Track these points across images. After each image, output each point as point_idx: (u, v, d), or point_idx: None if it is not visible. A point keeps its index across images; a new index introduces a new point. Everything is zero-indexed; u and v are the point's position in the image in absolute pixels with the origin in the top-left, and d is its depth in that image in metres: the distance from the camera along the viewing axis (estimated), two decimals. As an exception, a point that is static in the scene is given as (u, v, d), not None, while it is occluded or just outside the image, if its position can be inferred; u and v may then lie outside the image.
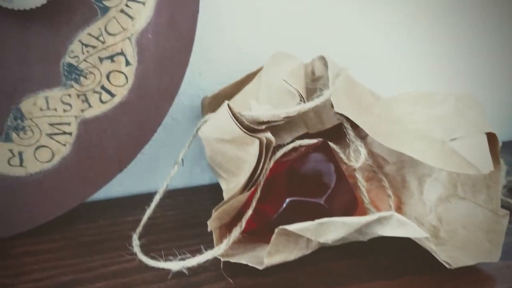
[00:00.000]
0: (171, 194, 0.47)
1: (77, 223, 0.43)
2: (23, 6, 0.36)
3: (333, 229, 0.31)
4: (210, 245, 0.36)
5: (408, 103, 0.41)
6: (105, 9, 0.39)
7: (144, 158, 0.49)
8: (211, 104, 0.47)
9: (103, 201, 0.47)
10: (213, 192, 0.50)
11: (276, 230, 0.32)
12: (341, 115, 0.42)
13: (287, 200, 0.35)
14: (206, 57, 0.49)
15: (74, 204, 0.41)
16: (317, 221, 0.31)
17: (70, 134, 0.40)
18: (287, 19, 0.52)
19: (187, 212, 0.46)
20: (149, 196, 0.43)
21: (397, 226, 0.31)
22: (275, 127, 0.40)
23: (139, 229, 0.40)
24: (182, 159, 0.43)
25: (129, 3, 0.39)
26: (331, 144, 0.38)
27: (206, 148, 0.43)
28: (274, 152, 0.39)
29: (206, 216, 0.43)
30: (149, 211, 0.42)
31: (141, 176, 0.49)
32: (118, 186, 0.48)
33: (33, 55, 0.38)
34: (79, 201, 0.41)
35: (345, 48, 0.55)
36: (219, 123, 0.39)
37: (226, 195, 0.42)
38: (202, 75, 0.49)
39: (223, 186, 0.43)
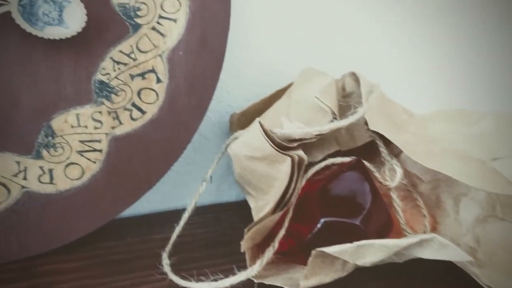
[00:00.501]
0: (198, 211, 0.47)
1: (105, 241, 0.43)
2: (52, 36, 0.36)
3: (372, 252, 0.30)
4: (241, 265, 0.35)
5: (444, 122, 0.40)
6: (137, 27, 0.39)
7: (172, 174, 0.48)
8: (240, 120, 0.47)
9: (130, 218, 0.47)
10: (240, 209, 0.49)
11: (313, 252, 0.31)
12: (374, 132, 0.41)
13: (322, 220, 0.34)
14: (234, 74, 0.48)
15: (104, 221, 0.41)
16: (355, 243, 0.30)
17: (101, 151, 0.40)
18: (314, 36, 0.52)
19: (216, 230, 0.45)
20: (177, 213, 0.43)
21: (438, 249, 0.30)
22: (306, 144, 0.40)
23: (168, 247, 0.40)
24: (211, 176, 0.43)
25: (161, 21, 0.39)
26: (365, 162, 0.38)
27: (235, 165, 0.42)
28: (306, 170, 0.38)
29: (235, 234, 0.43)
30: (178, 229, 0.41)
31: (168, 192, 0.49)
32: (146, 203, 0.48)
33: (65, 72, 0.38)
34: (108, 219, 0.41)
35: (372, 64, 0.54)
36: (250, 141, 0.39)
37: (255, 213, 0.41)
38: (230, 91, 0.49)
39: (252, 204, 0.43)
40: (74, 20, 0.36)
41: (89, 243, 0.42)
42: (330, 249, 0.30)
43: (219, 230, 0.45)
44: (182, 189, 0.49)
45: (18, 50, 0.37)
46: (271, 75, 0.50)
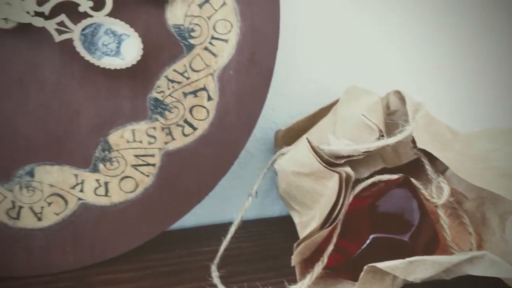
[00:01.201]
0: (243, 225, 0.47)
1: (155, 253, 0.44)
2: (108, 66, 0.38)
3: (424, 268, 0.31)
4: (289, 278, 0.36)
5: (489, 140, 0.40)
6: (190, 47, 0.41)
7: (218, 189, 0.49)
8: (285, 137, 0.48)
9: (178, 231, 0.48)
10: (283, 225, 0.50)
11: (365, 267, 0.32)
12: (420, 150, 0.42)
13: (371, 236, 0.35)
14: (279, 92, 0.50)
15: (155, 234, 0.42)
16: (407, 259, 0.30)
17: (154, 165, 0.42)
18: (357, 56, 0.53)
19: (261, 245, 0.46)
20: (222, 226, 0.44)
21: (489, 266, 0.30)
22: (352, 161, 0.40)
23: (216, 260, 0.41)
24: (256, 191, 0.44)
25: (213, 41, 0.41)
26: (412, 180, 0.38)
27: (281, 180, 0.43)
28: (353, 187, 0.39)
29: (280, 249, 0.44)
30: (225, 242, 0.42)
31: (214, 206, 0.50)
32: (193, 216, 0.49)
33: (123, 90, 0.40)
34: (159, 231, 0.43)
35: (414, 84, 0.55)
36: (297, 157, 0.40)
37: (299, 228, 0.42)
38: (275, 109, 0.50)
39: (296, 219, 0.43)
40: (131, 53, 0.38)
41: (139, 254, 0.43)
42: (382, 265, 0.31)
43: (265, 244, 0.46)
44: (227, 203, 0.51)
45: (80, 71, 0.39)
46: (314, 93, 0.52)
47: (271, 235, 0.48)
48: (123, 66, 0.38)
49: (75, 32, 0.37)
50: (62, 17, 0.37)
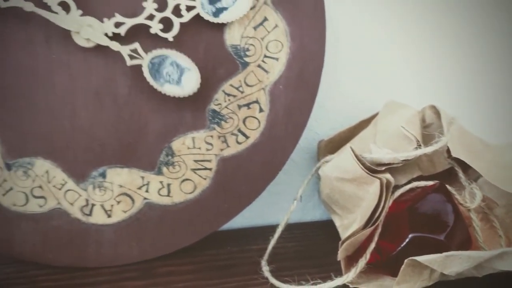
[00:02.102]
0: (287, 228, 0.51)
1: (209, 249, 0.49)
2: (168, 93, 0.43)
3: (458, 262, 0.34)
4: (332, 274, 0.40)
5: (519, 150, 0.44)
6: (245, 64, 0.45)
7: (264, 193, 0.54)
8: (327, 146, 0.52)
9: (227, 231, 0.53)
10: (325, 228, 0.54)
11: (406, 261, 0.35)
12: (453, 159, 0.46)
13: (410, 235, 0.39)
14: (322, 105, 0.54)
15: (210, 231, 0.47)
16: (444, 254, 0.34)
17: (210, 169, 0.46)
18: (393, 72, 0.57)
19: (305, 245, 0.50)
20: (267, 228, 0.48)
21: (518, 262, 0.34)
22: (390, 169, 0.44)
23: (266, 256, 0.45)
24: (301, 196, 0.48)
25: (265, 59, 0.46)
26: (447, 186, 0.42)
27: (324, 186, 0.47)
28: (392, 192, 0.43)
29: (323, 249, 0.48)
30: (273, 241, 0.47)
31: (260, 209, 0.55)
32: (241, 218, 0.54)
33: (186, 103, 0.45)
34: (214, 229, 0.47)
35: (448, 98, 0.58)
36: (341, 164, 0.44)
37: (341, 231, 0.46)
38: (318, 120, 0.54)
39: (337, 222, 0.47)
40: (190, 84, 0.43)
41: (195, 250, 0.48)
42: (421, 258, 0.35)
43: (308, 245, 0.50)
44: (272, 207, 0.55)
45: (148, 87, 0.44)
46: (353, 106, 0.56)
47: (313, 237, 0.52)
48: (181, 95, 0.43)
49: (145, 60, 0.42)
50: (136, 45, 0.42)
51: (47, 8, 0.40)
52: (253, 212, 0.54)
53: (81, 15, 0.41)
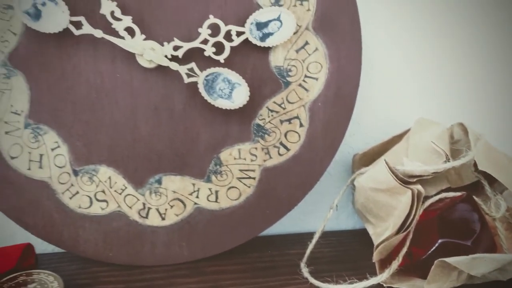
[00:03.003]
0: (322, 235, 0.55)
1: (250, 252, 0.53)
2: (220, 106, 0.48)
3: (484, 264, 0.38)
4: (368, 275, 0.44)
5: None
6: (288, 84, 0.50)
7: (301, 203, 0.58)
8: (361, 160, 0.56)
9: (267, 236, 0.57)
10: (358, 236, 0.58)
11: (436, 262, 0.39)
12: (480, 173, 0.49)
13: (440, 241, 0.43)
14: (356, 121, 0.58)
15: (252, 235, 0.51)
16: (470, 256, 0.38)
17: (254, 178, 0.51)
18: (425, 91, 0.61)
19: (340, 250, 0.54)
20: (303, 234, 0.52)
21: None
22: (421, 181, 0.48)
23: (304, 259, 0.49)
24: (337, 205, 0.52)
25: (306, 79, 0.50)
26: (474, 197, 0.45)
27: (359, 196, 0.51)
28: (422, 202, 0.47)
29: (357, 255, 0.52)
30: (311, 246, 0.51)
31: (297, 218, 0.59)
32: (279, 225, 0.58)
33: (233, 117, 0.49)
34: (256, 234, 0.51)
35: (474, 115, 0.62)
36: (376, 175, 0.48)
37: (374, 238, 0.50)
38: (352, 135, 0.59)
39: (370, 230, 0.51)
40: (240, 98, 0.48)
41: (239, 252, 0.52)
42: (450, 259, 0.38)
43: (344, 250, 0.54)
44: (308, 215, 0.59)
45: (201, 103, 0.49)
46: (385, 122, 0.60)
47: (348, 243, 0.56)
48: (231, 108, 0.48)
49: (200, 77, 0.47)
50: (192, 65, 0.47)
51: (115, 33, 0.46)
52: (290, 220, 0.58)
53: (144, 39, 0.46)
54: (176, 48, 0.47)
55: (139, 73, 0.48)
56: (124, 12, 0.46)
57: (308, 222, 0.59)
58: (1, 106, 0.47)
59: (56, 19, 0.44)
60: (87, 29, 0.45)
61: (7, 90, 0.47)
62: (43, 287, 0.44)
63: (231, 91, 0.48)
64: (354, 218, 0.61)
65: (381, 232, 0.49)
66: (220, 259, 0.51)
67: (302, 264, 0.48)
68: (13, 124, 0.47)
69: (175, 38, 0.47)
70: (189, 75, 0.47)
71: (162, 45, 0.47)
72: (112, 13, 0.45)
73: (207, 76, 0.47)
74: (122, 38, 0.46)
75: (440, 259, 0.39)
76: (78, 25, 0.45)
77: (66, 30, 0.45)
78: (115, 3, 0.45)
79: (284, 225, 0.59)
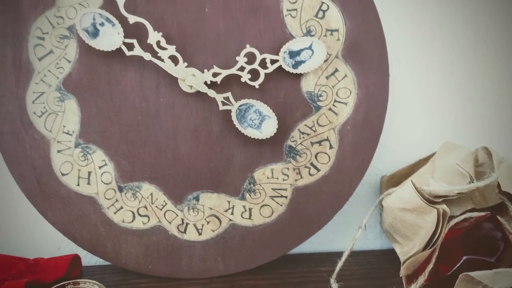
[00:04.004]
0: (352, 254, 0.57)
1: (281, 268, 0.55)
2: (249, 135, 0.52)
3: (506, 279, 0.39)
4: None
5: None
6: (318, 108, 0.53)
7: (330, 222, 0.60)
8: (389, 181, 0.59)
9: (297, 254, 0.59)
10: (386, 255, 0.60)
11: (460, 276, 0.41)
12: (504, 195, 0.51)
13: (464, 257, 0.44)
14: (384, 144, 0.61)
15: (284, 252, 0.54)
16: (493, 270, 0.40)
17: (286, 197, 0.54)
18: (450, 116, 0.63)
19: (368, 268, 0.56)
20: (332, 254, 0.54)
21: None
22: (446, 201, 0.50)
23: (334, 275, 0.51)
24: (365, 225, 0.54)
25: (335, 104, 0.53)
26: (498, 216, 0.47)
27: (387, 215, 0.54)
28: (448, 221, 0.49)
29: (385, 273, 0.54)
30: (340, 263, 0.53)
31: (325, 237, 0.61)
32: (310, 244, 0.61)
33: (267, 140, 0.53)
34: (287, 250, 0.54)
35: (503, 142, 0.64)
36: (403, 195, 0.50)
37: (401, 257, 0.51)
38: (380, 158, 0.61)
39: (398, 249, 0.53)
40: (268, 130, 0.52)
41: (271, 268, 0.55)
42: (474, 273, 0.40)
43: (371, 268, 0.56)
44: (336, 235, 0.61)
45: (234, 126, 0.52)
46: (411, 146, 0.62)
47: (376, 262, 0.58)
48: (259, 138, 0.52)
49: (234, 106, 0.51)
50: (228, 94, 0.51)
51: (160, 60, 0.50)
52: (321, 239, 0.61)
53: (186, 67, 0.50)
54: (215, 74, 0.51)
55: (181, 97, 0.52)
56: (168, 42, 0.50)
57: (337, 241, 0.61)
58: (55, 127, 0.51)
59: (111, 39, 0.49)
60: (137, 51, 0.50)
61: (60, 112, 0.51)
62: (89, 295, 0.48)
63: (261, 122, 0.51)
64: (382, 239, 0.63)
65: (408, 251, 0.50)
66: (253, 274, 0.53)
67: (332, 280, 0.51)
68: (65, 143, 0.51)
69: (214, 66, 0.51)
70: (224, 103, 0.51)
71: (203, 72, 0.51)
72: (158, 42, 0.50)
73: (240, 105, 0.51)
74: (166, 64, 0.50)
75: (464, 273, 0.41)
76: (130, 46, 0.50)
77: (117, 53, 0.50)
78: (160, 33, 0.49)
79: (314, 244, 0.61)
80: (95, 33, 0.49)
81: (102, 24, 0.49)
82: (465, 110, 0.64)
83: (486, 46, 0.63)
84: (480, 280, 0.40)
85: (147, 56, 0.50)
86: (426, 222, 0.48)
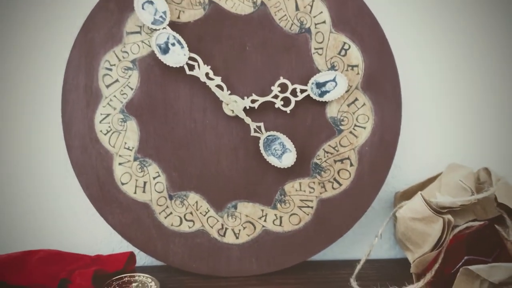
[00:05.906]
0: (368, 261, 0.64)
1: (307, 271, 0.63)
2: (271, 162, 0.60)
3: (500, 272, 0.47)
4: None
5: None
6: (340, 131, 0.62)
7: (349, 232, 0.68)
8: (402, 197, 0.67)
9: (319, 261, 0.67)
10: (399, 263, 0.67)
11: (461, 269, 0.49)
12: (502, 208, 0.59)
13: (466, 257, 0.52)
14: (397, 164, 0.69)
15: (309, 255, 0.62)
16: (489, 264, 0.47)
17: (312, 208, 0.62)
18: (458, 138, 0.71)
19: (384, 273, 0.64)
20: (351, 261, 0.62)
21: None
22: (451, 212, 0.58)
23: (354, 275, 0.59)
24: (381, 234, 0.62)
25: (355, 127, 0.62)
26: (496, 225, 0.55)
27: (400, 225, 0.61)
28: (452, 229, 0.56)
29: (399, 276, 0.61)
30: (359, 266, 0.60)
31: (345, 246, 0.69)
32: (331, 251, 0.68)
33: (296, 157, 0.61)
34: (313, 254, 0.62)
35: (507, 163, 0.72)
36: (413, 206, 0.58)
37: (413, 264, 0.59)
38: (394, 177, 0.69)
39: (409, 257, 0.61)
40: (287, 161, 0.61)
41: (298, 270, 0.63)
42: (472, 267, 0.48)
43: (387, 273, 0.63)
44: (355, 244, 0.69)
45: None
46: (422, 166, 0.70)
47: (390, 267, 0.65)
48: (278, 166, 0.61)
49: (263, 135, 0.60)
50: (261, 124, 0.60)
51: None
52: (341, 247, 0.69)
53: (229, 94, 0.60)
54: (253, 101, 0.60)
55: (223, 120, 0.61)
56: (215, 74, 0.60)
57: (356, 250, 0.69)
58: (117, 143, 0.61)
59: (178, 58, 0.59)
60: (196, 72, 0.59)
61: (122, 131, 0.61)
62: (143, 286, 0.56)
63: (282, 154, 0.60)
64: (396, 249, 0.70)
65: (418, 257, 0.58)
66: (283, 274, 0.61)
67: (352, 279, 0.58)
68: (125, 157, 0.61)
69: (253, 94, 0.60)
70: (255, 130, 0.60)
71: (243, 98, 0.60)
72: (207, 74, 0.59)
73: (268, 136, 0.60)
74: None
75: (464, 267, 0.48)
76: (191, 67, 0.59)
77: (173, 82, 0.60)
78: (209, 66, 0.59)
79: (335, 252, 0.69)
80: (166, 50, 0.59)
81: (173, 44, 0.59)
82: (473, 132, 0.71)
83: (496, 71, 0.70)
84: (478, 273, 0.48)
85: (203, 78, 0.59)
86: (434, 230, 0.56)
